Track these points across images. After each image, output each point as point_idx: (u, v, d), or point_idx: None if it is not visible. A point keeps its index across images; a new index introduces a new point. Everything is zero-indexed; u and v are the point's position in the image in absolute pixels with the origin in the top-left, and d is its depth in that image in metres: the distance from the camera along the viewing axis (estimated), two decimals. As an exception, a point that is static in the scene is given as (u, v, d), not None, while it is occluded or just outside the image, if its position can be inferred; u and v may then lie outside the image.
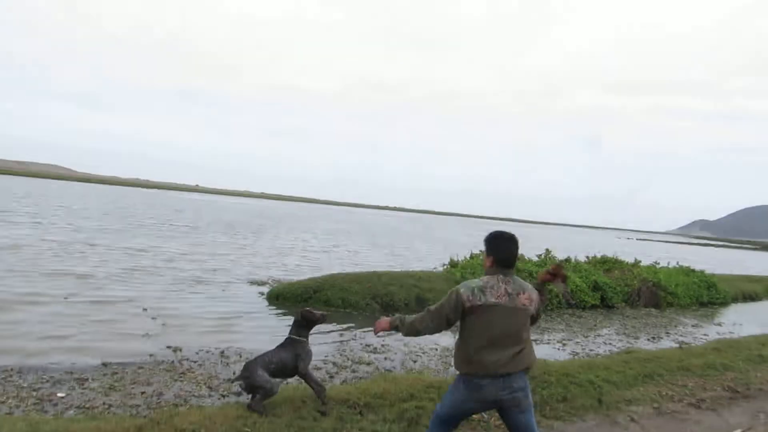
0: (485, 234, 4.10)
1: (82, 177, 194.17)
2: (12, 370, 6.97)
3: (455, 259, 17.49)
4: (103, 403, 6.10)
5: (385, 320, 4.13)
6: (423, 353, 9.70)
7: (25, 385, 6.49)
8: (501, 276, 3.87)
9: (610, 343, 11.76)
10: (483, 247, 4.08)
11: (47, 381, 6.70)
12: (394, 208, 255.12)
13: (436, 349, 10.04)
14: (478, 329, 3.78)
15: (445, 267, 17.09)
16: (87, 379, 6.87)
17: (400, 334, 4.07)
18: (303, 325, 5.45)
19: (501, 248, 3.97)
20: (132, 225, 30.22)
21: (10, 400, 5.99)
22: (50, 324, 9.28)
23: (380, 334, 4.31)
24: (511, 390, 3.77)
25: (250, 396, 5.22)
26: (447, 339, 11.02)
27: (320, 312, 5.58)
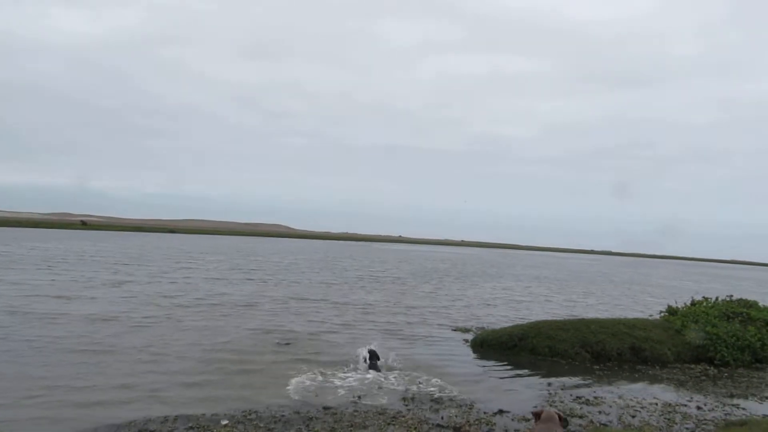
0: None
1: (300, 234, 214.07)
2: (252, 411, 7.87)
3: (674, 305, 15.97)
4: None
5: None
6: (642, 408, 8.98)
7: (261, 425, 7.32)
8: None
9: None
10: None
11: (279, 421, 7.47)
12: (600, 252, 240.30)
13: (656, 404, 9.24)
14: None
15: (662, 314, 15.67)
16: (312, 419, 7.55)
17: None
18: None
19: None
20: (339, 279, 32.50)
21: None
22: (273, 370, 10.28)
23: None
24: None
25: None
26: (669, 394, 10.10)
27: None
